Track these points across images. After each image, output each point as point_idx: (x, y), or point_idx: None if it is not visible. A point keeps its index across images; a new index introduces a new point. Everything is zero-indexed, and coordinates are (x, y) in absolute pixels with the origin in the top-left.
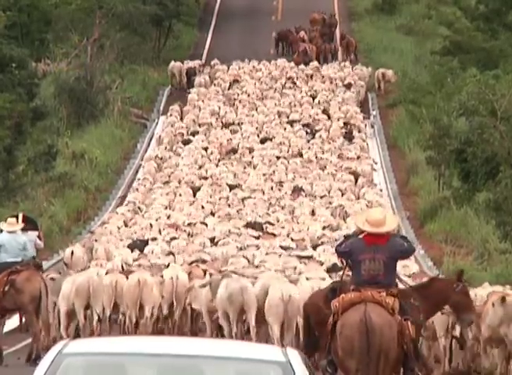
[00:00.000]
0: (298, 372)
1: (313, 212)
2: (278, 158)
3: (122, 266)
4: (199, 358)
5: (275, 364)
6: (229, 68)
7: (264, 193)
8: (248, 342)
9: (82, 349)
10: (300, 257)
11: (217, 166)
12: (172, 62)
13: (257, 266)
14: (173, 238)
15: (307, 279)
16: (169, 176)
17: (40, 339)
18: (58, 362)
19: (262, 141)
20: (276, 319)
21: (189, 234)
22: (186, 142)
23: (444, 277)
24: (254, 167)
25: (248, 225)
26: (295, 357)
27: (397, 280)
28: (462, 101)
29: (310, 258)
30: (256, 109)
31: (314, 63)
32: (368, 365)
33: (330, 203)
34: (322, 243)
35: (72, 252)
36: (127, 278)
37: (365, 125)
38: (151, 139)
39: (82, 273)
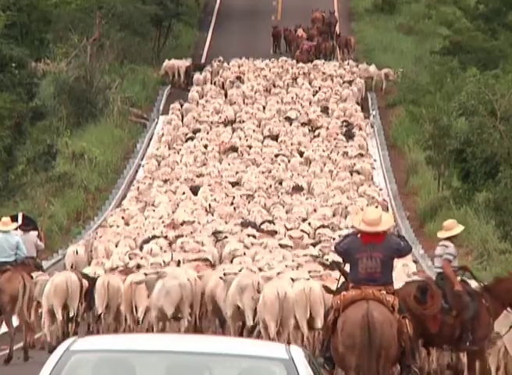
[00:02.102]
0: (301, 369)
1: (313, 211)
2: (277, 155)
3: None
4: (205, 355)
5: (279, 361)
6: (229, 64)
7: (263, 191)
8: (254, 340)
9: (90, 346)
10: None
11: (218, 163)
12: (166, 61)
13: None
14: (174, 237)
15: (293, 279)
16: (170, 174)
17: (13, 339)
18: (65, 359)
19: (264, 139)
20: (272, 316)
21: (188, 233)
22: (187, 140)
23: (507, 276)
24: (257, 165)
25: (243, 224)
26: (298, 354)
27: (472, 280)
28: (462, 101)
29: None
30: (254, 105)
31: (315, 61)
32: (369, 361)
33: (330, 201)
34: (321, 241)
35: (76, 252)
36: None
37: (366, 124)
38: (150, 139)
39: (61, 273)
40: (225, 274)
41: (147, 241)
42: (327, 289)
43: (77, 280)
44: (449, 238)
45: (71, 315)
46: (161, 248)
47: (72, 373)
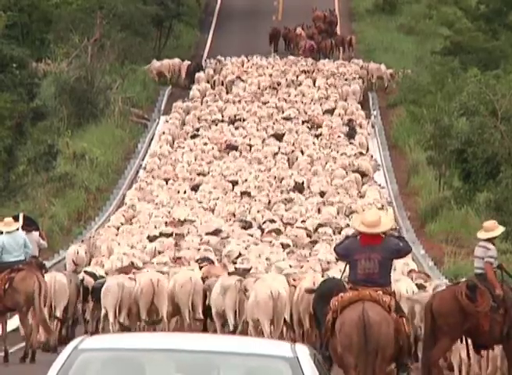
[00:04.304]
0: (305, 367)
1: (317, 210)
2: (278, 154)
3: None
4: (213, 353)
5: (283, 359)
6: (229, 63)
7: (265, 189)
8: (260, 338)
9: (98, 345)
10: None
11: (219, 162)
12: (154, 61)
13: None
14: (176, 236)
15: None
16: (171, 173)
17: (30, 339)
18: (73, 357)
19: (268, 138)
20: (266, 316)
21: (190, 231)
22: (189, 139)
23: None
24: (258, 163)
25: (242, 223)
26: (303, 353)
27: None
28: (463, 101)
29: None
30: (256, 103)
31: (321, 60)
32: (366, 360)
33: (331, 200)
34: (318, 241)
35: (77, 251)
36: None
37: (367, 123)
38: (151, 139)
39: (48, 274)
40: (207, 277)
41: (151, 240)
42: (308, 290)
43: (64, 281)
44: (489, 239)
45: (57, 315)
46: (167, 247)
47: (80, 371)
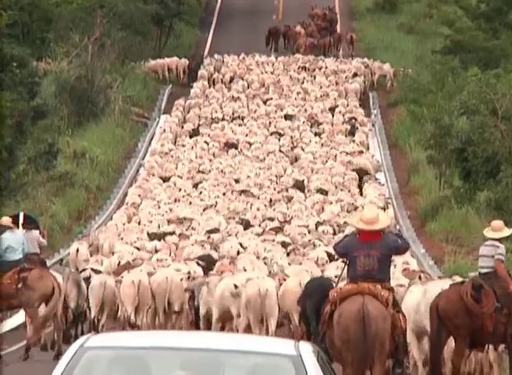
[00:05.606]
0: (308, 365)
1: (316, 208)
2: (279, 152)
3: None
4: (217, 351)
5: (286, 357)
6: (228, 61)
7: (265, 187)
8: (264, 336)
9: (104, 343)
10: None
11: (219, 160)
12: (151, 61)
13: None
14: (176, 234)
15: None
16: (172, 171)
17: (35, 334)
18: (79, 355)
19: (271, 135)
20: (255, 314)
21: (187, 229)
22: (190, 137)
23: None
24: (258, 161)
25: (241, 222)
26: (307, 351)
27: None
28: (463, 100)
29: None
30: (257, 101)
31: (322, 58)
32: (364, 354)
33: (333, 198)
34: (318, 239)
35: (77, 250)
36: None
37: (367, 121)
38: (151, 138)
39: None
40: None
41: (152, 238)
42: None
43: (61, 282)
44: (497, 239)
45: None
46: (167, 246)
47: (86, 369)
